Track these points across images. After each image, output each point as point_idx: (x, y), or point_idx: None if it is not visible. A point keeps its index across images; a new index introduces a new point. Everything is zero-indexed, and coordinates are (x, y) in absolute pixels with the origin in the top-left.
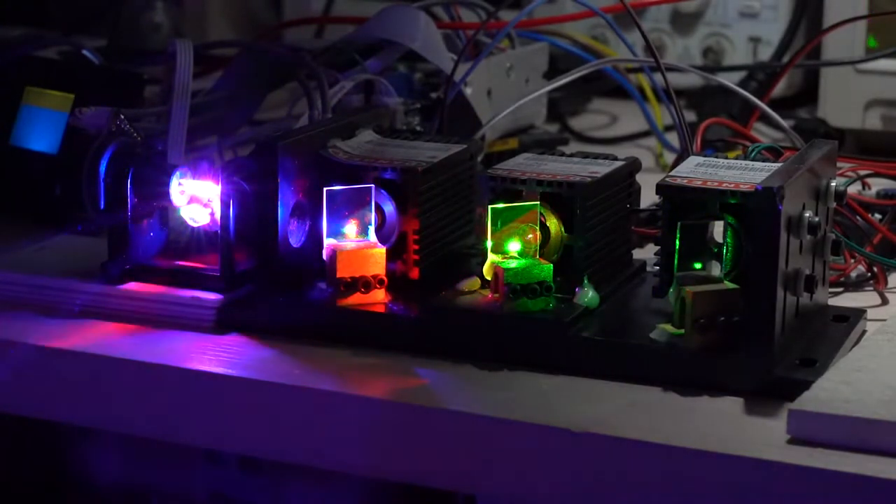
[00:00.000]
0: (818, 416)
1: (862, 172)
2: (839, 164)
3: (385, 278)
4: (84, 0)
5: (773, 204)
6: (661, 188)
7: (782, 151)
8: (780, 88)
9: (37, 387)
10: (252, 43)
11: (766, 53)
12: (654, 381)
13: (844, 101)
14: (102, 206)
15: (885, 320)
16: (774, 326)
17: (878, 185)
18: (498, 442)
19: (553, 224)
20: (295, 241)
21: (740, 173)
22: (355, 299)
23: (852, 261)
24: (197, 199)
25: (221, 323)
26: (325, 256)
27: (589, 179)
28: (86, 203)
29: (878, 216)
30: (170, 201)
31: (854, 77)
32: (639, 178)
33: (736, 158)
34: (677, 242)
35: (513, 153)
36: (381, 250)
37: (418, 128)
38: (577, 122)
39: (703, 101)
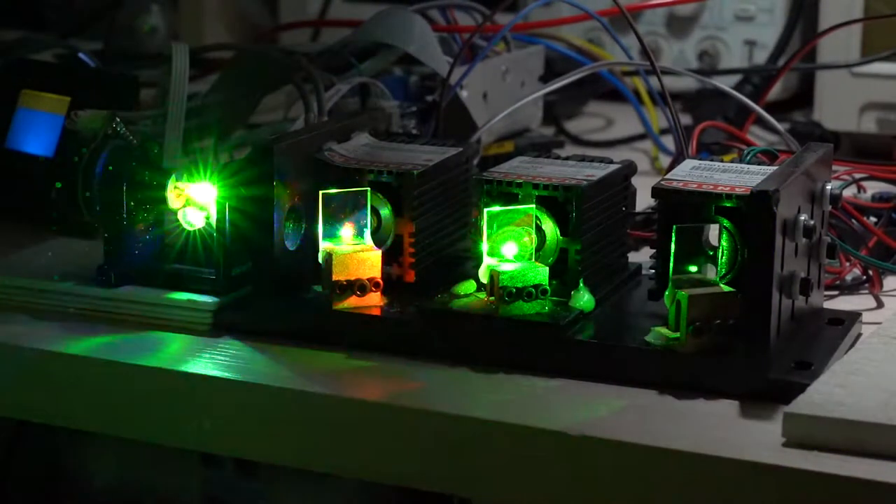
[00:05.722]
0: (813, 419)
1: (857, 176)
2: (834, 168)
3: (381, 281)
4: (80, 3)
5: (769, 207)
6: (656, 191)
7: (778, 155)
8: (775, 92)
9: (33, 390)
10: (248, 46)
11: (761, 57)
12: (650, 384)
13: (840, 105)
14: (98, 210)
15: (880, 323)
16: (770, 330)
17: (873, 188)
18: (494, 445)
19: (549, 227)
20: (291, 243)
21: (736, 176)
22: (351, 302)
23: (847, 264)
24: (193, 202)
25: (217, 326)
26: (320, 259)
27: (585, 182)
28: (82, 206)
29: (873, 219)
30: (166, 204)
31: (849, 80)
32: (634, 181)
33: (731, 161)
34: (673, 245)
35: (508, 156)
36: (377, 253)
37: (414, 131)
38: (572, 126)
39: (699, 104)
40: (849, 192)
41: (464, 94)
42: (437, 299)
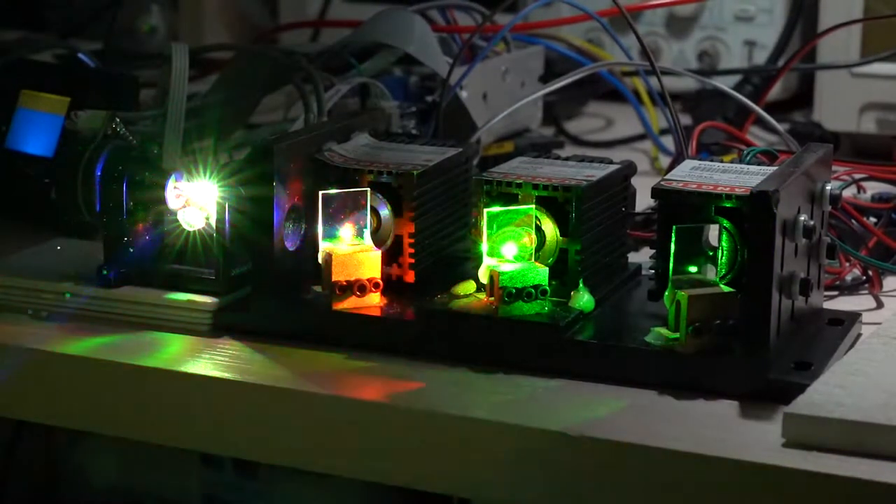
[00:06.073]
0: (813, 419)
1: (857, 176)
2: (834, 168)
3: (380, 282)
4: (80, 3)
5: (769, 207)
6: (656, 192)
7: (777, 155)
8: (775, 92)
9: (32, 390)
10: (248, 46)
11: (761, 57)
12: (650, 385)
13: (839, 105)
14: (98, 210)
15: (879, 324)
16: (770, 330)
17: (872, 188)
18: (494, 445)
19: (548, 227)
20: (290, 243)
21: (735, 177)
22: (350, 303)
23: (847, 264)
24: (193, 202)
25: (217, 326)
26: (320, 260)
27: (584, 183)
28: (81, 207)
29: (872, 220)
30: (166, 205)
31: (849, 81)
32: (634, 181)
33: (731, 162)
34: (672, 246)
35: (508, 156)
36: (377, 254)
37: (414, 131)
38: (572, 126)
39: (699, 104)
40: (849, 193)
41: (464, 94)
42: (437, 299)
